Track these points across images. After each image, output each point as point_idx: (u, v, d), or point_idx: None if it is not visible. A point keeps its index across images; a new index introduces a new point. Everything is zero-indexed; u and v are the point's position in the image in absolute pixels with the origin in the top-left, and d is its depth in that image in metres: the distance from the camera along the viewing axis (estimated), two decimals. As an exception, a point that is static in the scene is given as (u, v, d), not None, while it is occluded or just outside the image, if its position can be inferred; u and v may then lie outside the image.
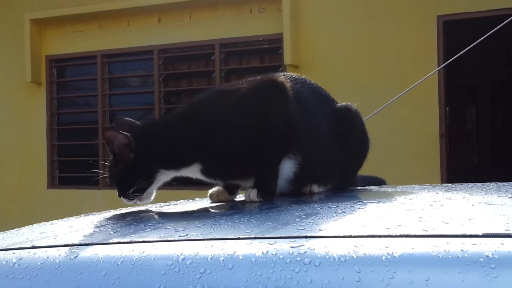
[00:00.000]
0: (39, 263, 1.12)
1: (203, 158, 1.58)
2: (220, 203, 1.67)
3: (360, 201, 1.42)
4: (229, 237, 1.10)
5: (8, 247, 1.24)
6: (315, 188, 1.68)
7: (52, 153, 8.25)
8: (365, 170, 1.90)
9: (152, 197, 1.64)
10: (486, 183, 1.68)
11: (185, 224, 1.30)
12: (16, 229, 1.54)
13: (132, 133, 1.57)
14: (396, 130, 6.58)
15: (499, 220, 1.10)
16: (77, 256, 1.11)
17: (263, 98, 1.61)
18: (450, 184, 1.70)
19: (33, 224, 1.58)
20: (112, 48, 7.85)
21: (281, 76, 1.70)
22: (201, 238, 1.12)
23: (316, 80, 6.49)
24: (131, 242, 1.14)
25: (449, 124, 7.10)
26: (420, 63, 6.54)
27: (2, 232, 1.52)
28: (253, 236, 1.08)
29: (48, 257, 1.13)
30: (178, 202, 1.87)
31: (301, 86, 1.71)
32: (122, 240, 1.17)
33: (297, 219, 1.21)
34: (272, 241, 1.03)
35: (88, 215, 1.73)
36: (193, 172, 1.62)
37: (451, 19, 6.61)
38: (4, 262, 1.15)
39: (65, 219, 1.63)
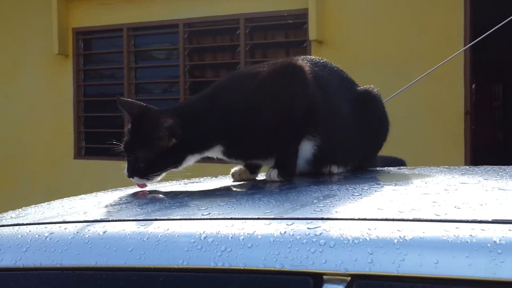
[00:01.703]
0: (69, 238, 1.18)
1: (225, 140, 1.63)
2: (242, 182, 1.72)
3: (377, 184, 1.46)
4: (249, 217, 1.16)
5: (40, 221, 1.31)
6: (334, 169, 1.73)
7: (78, 124, 8.36)
8: (389, 147, 1.93)
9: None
10: (503, 167, 1.70)
11: (208, 203, 1.36)
12: (46, 203, 1.61)
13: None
14: (420, 107, 6.55)
15: (510, 206, 1.14)
16: (105, 231, 1.17)
17: (282, 81, 1.65)
18: (468, 167, 1.74)
19: (60, 194, 1.64)
20: (138, 22, 7.89)
21: (301, 60, 1.73)
22: (222, 217, 1.18)
23: (340, 56, 6.54)
24: (156, 220, 1.20)
25: (475, 102, 7.05)
26: (446, 40, 6.48)
27: (33, 206, 1.59)
28: (272, 216, 1.13)
29: (78, 232, 1.19)
30: (201, 179, 1.92)
31: (321, 69, 1.74)
32: (148, 217, 1.23)
33: (315, 201, 1.26)
34: (290, 222, 1.08)
35: (115, 190, 1.79)
36: (215, 153, 1.66)
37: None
38: (36, 236, 1.22)
39: (93, 194, 1.70)
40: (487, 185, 1.36)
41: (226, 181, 1.78)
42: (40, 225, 1.27)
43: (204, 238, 1.08)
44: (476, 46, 6.50)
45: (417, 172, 1.74)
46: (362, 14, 6.98)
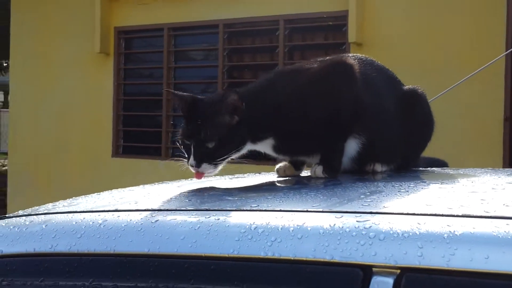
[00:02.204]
0: (123, 225, 1.22)
1: (276, 133, 1.64)
2: (287, 178, 1.74)
3: (422, 182, 1.47)
4: (298, 209, 1.17)
5: (93, 209, 1.35)
6: (378, 167, 1.74)
7: (117, 123, 8.48)
8: (427, 151, 1.93)
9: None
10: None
11: (256, 196, 1.38)
12: (96, 193, 1.66)
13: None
14: (459, 112, 6.49)
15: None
16: (157, 220, 1.21)
17: (332, 79, 1.67)
18: (513, 169, 1.73)
19: (97, 191, 1.68)
20: (178, 22, 7.97)
21: (350, 57, 1.75)
22: (271, 209, 1.20)
23: (379, 59, 6.45)
24: (207, 210, 1.23)
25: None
26: (488, 43, 6.40)
27: (84, 196, 1.63)
28: (320, 209, 1.15)
29: (131, 220, 1.23)
30: (245, 175, 1.95)
31: (369, 68, 1.76)
32: (199, 208, 1.26)
33: (362, 196, 1.28)
34: (338, 215, 1.10)
35: (161, 183, 1.83)
36: (265, 146, 1.68)
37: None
38: (90, 223, 1.26)
39: (141, 186, 1.74)
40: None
41: (271, 177, 1.81)
42: (94, 213, 1.31)
43: (254, 229, 1.11)
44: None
45: (462, 172, 1.74)
46: (402, 17, 6.94)
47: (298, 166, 1.79)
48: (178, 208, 1.27)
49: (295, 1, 7.51)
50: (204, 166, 1.60)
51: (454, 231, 0.98)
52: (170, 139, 8.18)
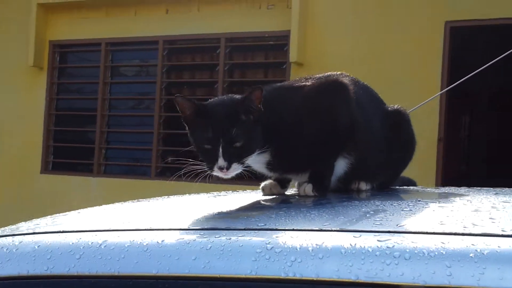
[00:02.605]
0: (126, 246, 1.16)
1: (273, 146, 1.61)
2: (278, 196, 1.72)
3: (418, 200, 1.47)
4: (312, 228, 1.15)
5: (88, 229, 1.28)
6: (363, 186, 1.74)
7: (48, 138, 8.24)
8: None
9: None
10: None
11: (257, 215, 1.35)
12: (75, 211, 1.58)
13: None
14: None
15: None
16: (163, 240, 1.16)
17: (329, 99, 1.67)
18: (492, 188, 1.77)
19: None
20: (117, 37, 7.86)
21: (344, 77, 1.75)
22: (282, 228, 1.17)
23: None
24: (215, 229, 1.19)
25: (446, 131, 7.17)
26: (426, 68, 6.61)
27: (63, 214, 1.56)
28: (336, 229, 1.13)
29: (133, 240, 1.17)
30: (228, 193, 1.92)
31: (356, 88, 1.76)
32: (205, 227, 1.22)
33: (367, 215, 1.27)
34: (357, 234, 1.09)
35: (139, 201, 1.77)
36: (261, 160, 1.65)
37: (459, 25, 6.66)
38: (89, 243, 1.19)
39: (125, 203, 1.67)
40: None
41: (256, 195, 1.78)
42: (90, 233, 1.25)
43: (271, 248, 1.08)
44: (452, 77, 6.65)
45: (444, 191, 1.76)
46: (343, 39, 7.08)
47: (284, 184, 1.77)
48: (182, 228, 1.23)
49: (237, 20, 7.55)
50: (234, 166, 1.58)
51: (480, 250, 0.98)
52: (103, 155, 8.01)
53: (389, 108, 1.85)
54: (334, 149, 1.68)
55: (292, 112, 1.64)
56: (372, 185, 1.78)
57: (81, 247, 1.19)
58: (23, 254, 1.22)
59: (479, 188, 1.87)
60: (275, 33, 7.43)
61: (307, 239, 1.09)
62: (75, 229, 1.29)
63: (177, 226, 1.24)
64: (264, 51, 7.73)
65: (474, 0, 6.54)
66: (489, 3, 6.47)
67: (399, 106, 1.87)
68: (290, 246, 1.07)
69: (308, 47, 7.16)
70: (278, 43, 7.45)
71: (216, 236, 1.14)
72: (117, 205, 1.68)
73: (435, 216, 1.27)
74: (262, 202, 1.62)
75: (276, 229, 1.16)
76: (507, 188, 1.73)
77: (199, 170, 1.60)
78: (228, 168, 1.56)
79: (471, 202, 1.42)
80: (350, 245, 1.05)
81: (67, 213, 1.61)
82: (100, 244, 1.18)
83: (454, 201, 1.45)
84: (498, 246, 0.99)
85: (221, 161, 1.55)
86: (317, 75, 1.77)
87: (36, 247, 1.22)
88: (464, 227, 1.11)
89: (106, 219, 1.42)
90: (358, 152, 1.69)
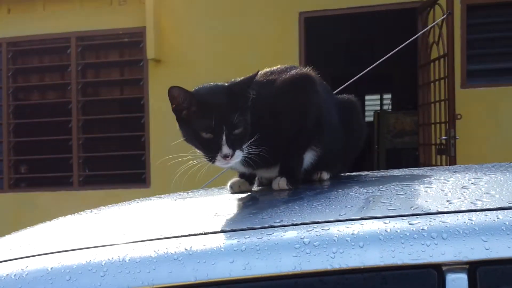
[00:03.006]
0: (152, 256, 1.12)
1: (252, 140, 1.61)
2: (263, 191, 1.71)
3: (402, 183, 1.53)
4: (336, 219, 1.18)
5: (97, 245, 1.22)
6: (325, 176, 1.80)
7: None
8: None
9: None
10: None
11: (261, 212, 1.34)
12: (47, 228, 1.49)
13: None
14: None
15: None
16: (191, 247, 1.13)
17: (300, 94, 1.69)
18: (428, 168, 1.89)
19: None
20: None
21: (311, 71, 1.78)
22: (304, 222, 1.19)
23: (179, 76, 6.69)
24: (236, 230, 1.18)
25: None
26: (283, 58, 6.81)
27: (38, 233, 1.47)
28: (360, 217, 1.17)
29: (158, 249, 1.14)
30: (191, 193, 1.89)
31: (318, 80, 1.80)
32: (225, 229, 1.21)
33: (373, 201, 1.32)
34: (386, 220, 1.13)
35: (129, 204, 1.70)
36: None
37: (312, 16, 6.96)
38: (110, 258, 1.14)
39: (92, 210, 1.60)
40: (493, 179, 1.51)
41: (226, 193, 1.76)
42: (103, 248, 1.19)
43: (308, 243, 1.09)
44: (313, 63, 6.93)
45: (412, 173, 1.85)
46: (199, 34, 7.09)
47: (251, 181, 1.78)
48: (201, 232, 1.20)
49: (87, 18, 7.32)
50: (237, 153, 1.58)
51: (508, 222, 1.07)
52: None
53: (340, 99, 1.92)
54: (305, 142, 1.71)
55: (266, 106, 1.65)
56: (332, 174, 1.84)
57: (103, 264, 1.13)
58: (36, 279, 1.13)
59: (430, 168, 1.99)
60: (129, 30, 7.29)
61: (340, 230, 1.11)
62: (82, 247, 1.22)
63: (194, 232, 1.21)
64: (119, 49, 7.57)
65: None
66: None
67: (350, 96, 1.94)
68: (327, 239, 1.10)
69: (165, 43, 7.11)
70: (133, 40, 7.32)
71: (245, 237, 1.14)
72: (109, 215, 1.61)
73: (435, 195, 1.34)
74: (254, 199, 1.61)
75: (299, 224, 1.18)
76: (458, 166, 1.86)
77: (198, 163, 1.58)
78: (233, 155, 1.56)
79: (447, 180, 1.51)
80: (385, 231, 1.09)
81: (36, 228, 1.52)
82: (123, 258, 1.13)
83: (434, 180, 1.54)
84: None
85: (225, 149, 1.55)
86: (280, 68, 1.79)
87: (49, 269, 1.14)
88: (471, 203, 1.19)
89: (103, 232, 1.36)
90: (323, 144, 1.73)
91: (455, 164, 5.52)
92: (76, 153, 7.42)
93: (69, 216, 1.73)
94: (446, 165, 5.61)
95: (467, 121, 6.01)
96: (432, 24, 5.03)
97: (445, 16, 3.41)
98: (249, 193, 1.70)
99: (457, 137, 5.63)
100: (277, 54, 6.83)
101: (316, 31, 7.50)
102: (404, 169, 1.97)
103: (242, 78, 1.65)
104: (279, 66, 1.80)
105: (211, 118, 1.54)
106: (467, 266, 1.04)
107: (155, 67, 7.13)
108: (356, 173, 2.01)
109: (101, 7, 7.32)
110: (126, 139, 7.45)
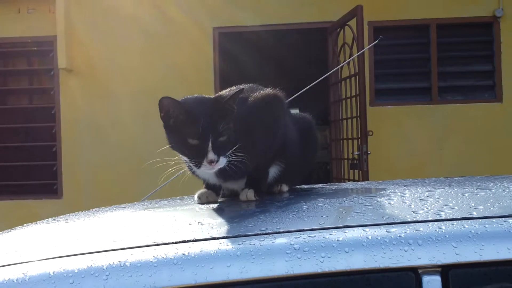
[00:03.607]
0: (152, 261, 1.19)
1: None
2: (236, 201, 1.77)
3: (368, 195, 1.66)
4: (319, 227, 1.29)
5: (95, 250, 1.26)
6: (285, 188, 1.91)
7: None
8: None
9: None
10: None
11: (244, 221, 1.43)
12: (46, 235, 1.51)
13: None
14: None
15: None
16: (188, 252, 1.21)
17: (271, 113, 1.79)
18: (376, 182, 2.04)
19: None
20: None
21: (280, 92, 1.88)
22: (289, 230, 1.29)
23: (90, 85, 6.70)
24: (228, 237, 1.27)
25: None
26: (197, 72, 6.92)
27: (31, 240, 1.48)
28: (341, 225, 1.29)
29: (157, 255, 1.20)
30: (159, 202, 1.94)
31: None
32: (215, 236, 1.28)
33: (344, 212, 1.44)
34: (366, 228, 1.25)
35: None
36: None
37: (226, 31, 7.12)
38: (111, 263, 1.19)
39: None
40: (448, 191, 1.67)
41: (193, 203, 1.82)
42: (101, 253, 1.24)
43: (298, 249, 1.20)
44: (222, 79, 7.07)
45: (367, 186, 1.99)
46: (111, 44, 7.06)
47: (217, 192, 1.86)
48: (194, 239, 1.27)
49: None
50: (221, 159, 1.65)
51: (473, 231, 1.21)
52: None
53: (297, 116, 2.04)
54: (272, 157, 1.82)
55: (240, 121, 1.74)
56: (290, 187, 1.96)
57: (104, 268, 1.18)
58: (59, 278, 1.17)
59: (378, 182, 2.15)
60: (38, 39, 7.17)
61: (326, 237, 1.23)
62: (83, 252, 1.26)
63: (187, 238, 1.28)
64: (27, 58, 7.42)
65: (236, 9, 7.02)
66: (249, 12, 7.01)
67: (305, 114, 2.06)
68: (315, 245, 1.20)
69: (76, 53, 7.03)
70: (43, 49, 7.19)
71: (239, 243, 1.23)
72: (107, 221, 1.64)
73: (405, 206, 1.46)
74: (234, 209, 1.67)
75: (289, 231, 1.28)
76: (404, 180, 2.02)
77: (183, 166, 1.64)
78: (217, 160, 1.64)
79: (403, 192, 1.66)
80: (367, 238, 1.21)
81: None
82: (124, 262, 1.19)
83: (391, 194, 1.67)
84: (485, 226, 1.23)
85: (211, 155, 1.63)
86: (247, 87, 1.88)
87: (63, 270, 1.18)
88: (437, 212, 1.34)
89: (99, 238, 1.40)
90: (286, 160, 1.85)
91: (367, 178, 5.81)
92: (-17, 163, 7.19)
93: (48, 222, 1.75)
94: (359, 179, 5.88)
95: (377, 137, 6.32)
96: (364, 49, 5.34)
97: (376, 41, 3.63)
98: (218, 204, 1.78)
99: (369, 152, 5.93)
100: (191, 68, 6.92)
101: (230, 46, 7.66)
102: (353, 182, 2.11)
103: (226, 92, 1.74)
104: (244, 85, 1.89)
105: (198, 125, 1.62)
106: (440, 269, 1.17)
107: (66, 76, 7.03)
108: (310, 185, 2.13)
109: (8, 14, 7.14)
110: (37, 148, 7.28)
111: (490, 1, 6.80)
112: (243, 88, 1.73)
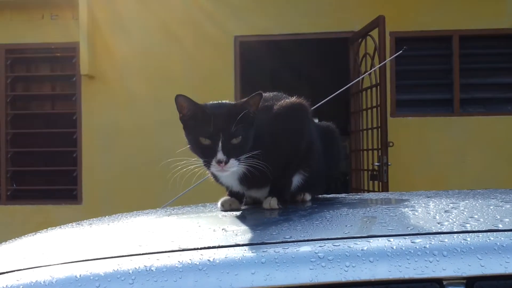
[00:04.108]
0: (178, 266, 1.20)
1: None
2: (259, 209, 1.79)
3: (388, 205, 1.67)
4: (342, 237, 1.29)
5: (120, 255, 1.28)
6: (307, 197, 1.91)
7: None
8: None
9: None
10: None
11: (268, 228, 1.44)
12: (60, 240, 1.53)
13: None
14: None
15: None
16: (214, 258, 1.21)
17: (296, 122, 1.80)
18: (427, 191, 2.04)
19: None
20: None
21: (304, 101, 1.89)
22: (313, 238, 1.29)
23: (111, 91, 6.75)
24: (252, 244, 1.27)
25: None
26: (218, 79, 6.95)
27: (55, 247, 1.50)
28: (365, 235, 1.29)
29: (182, 260, 1.21)
30: (183, 209, 1.95)
31: None
32: (239, 243, 1.29)
33: (367, 222, 1.44)
34: (390, 238, 1.25)
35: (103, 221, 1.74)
36: (236, 172, 1.74)
37: (247, 40, 7.15)
38: (137, 267, 1.20)
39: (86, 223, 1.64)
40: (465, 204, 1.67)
41: (218, 210, 1.84)
42: (126, 258, 1.25)
43: (323, 257, 1.20)
44: (243, 85, 7.10)
45: (388, 196, 1.99)
46: (133, 51, 7.11)
47: (240, 200, 1.87)
48: (219, 245, 1.28)
49: (18, 31, 7.23)
50: (232, 161, 1.65)
51: (499, 243, 1.21)
52: None
53: (322, 125, 2.04)
54: (296, 166, 1.83)
55: (264, 128, 1.74)
56: (313, 196, 1.96)
57: (130, 272, 1.19)
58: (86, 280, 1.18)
59: (401, 193, 2.15)
60: (61, 45, 7.24)
61: (350, 246, 1.23)
62: (103, 256, 1.28)
63: (212, 244, 1.29)
64: (50, 63, 7.50)
65: (257, 18, 7.04)
66: (271, 21, 7.03)
67: (329, 123, 2.07)
68: (340, 254, 1.21)
69: (99, 59, 7.09)
70: (66, 55, 7.27)
71: (263, 250, 1.23)
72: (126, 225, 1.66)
73: (426, 218, 1.47)
74: (258, 217, 1.68)
75: (310, 240, 1.28)
76: (428, 191, 2.02)
77: (194, 166, 1.65)
78: (226, 162, 1.64)
79: (428, 205, 1.65)
80: (391, 248, 1.21)
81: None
82: (149, 267, 1.20)
83: (415, 205, 1.67)
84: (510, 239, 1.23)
85: (220, 155, 1.63)
86: (269, 95, 1.89)
87: (89, 273, 1.19)
88: (463, 223, 1.34)
89: (121, 243, 1.41)
90: (310, 169, 1.86)
91: (387, 189, 5.78)
92: (4, 167, 7.25)
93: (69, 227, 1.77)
94: (379, 190, 5.86)
95: (398, 149, 6.29)
96: (387, 60, 5.33)
97: (400, 51, 3.64)
98: (241, 211, 1.78)
99: (389, 163, 5.90)
100: (212, 75, 6.95)
101: (251, 54, 7.68)
102: (376, 193, 2.11)
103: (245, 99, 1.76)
104: (268, 93, 1.90)
105: (210, 124, 1.64)
106: (465, 281, 1.17)
107: (88, 83, 7.10)
108: (332, 195, 2.13)
109: (32, 21, 7.24)
110: (58, 154, 7.35)
111: (513, 13, 6.77)
112: (261, 93, 1.73)
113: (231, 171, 1.68)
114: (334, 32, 7.04)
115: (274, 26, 7.05)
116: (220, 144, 1.64)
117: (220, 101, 1.78)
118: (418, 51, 6.97)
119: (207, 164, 1.67)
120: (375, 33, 6.14)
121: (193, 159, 1.71)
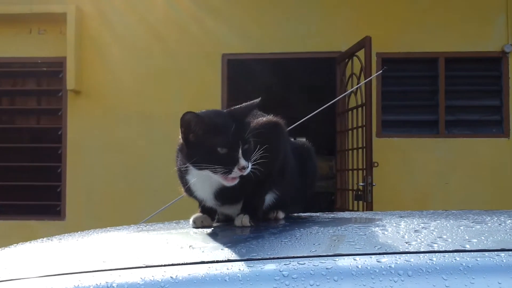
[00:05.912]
0: (187, 276, 1.18)
1: None
2: (221, 227, 1.78)
3: (363, 225, 1.66)
4: (311, 255, 1.28)
5: (134, 266, 1.26)
6: (281, 215, 1.90)
7: None
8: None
9: None
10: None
11: (241, 246, 1.42)
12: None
13: None
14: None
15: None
16: (189, 273, 1.20)
17: (272, 141, 1.80)
18: (387, 211, 2.03)
19: None
20: None
21: (281, 120, 1.89)
22: (281, 256, 1.28)
23: (98, 107, 6.75)
24: (228, 260, 1.26)
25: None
26: (206, 96, 6.97)
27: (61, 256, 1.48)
28: (331, 253, 1.28)
29: (153, 276, 1.20)
30: (154, 226, 1.93)
31: None
32: (206, 260, 1.28)
33: (337, 240, 1.43)
34: (356, 257, 1.24)
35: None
36: (210, 186, 1.76)
37: (235, 58, 7.18)
38: (151, 277, 1.19)
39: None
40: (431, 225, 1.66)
41: (189, 228, 1.82)
42: (139, 269, 1.23)
43: (287, 275, 1.19)
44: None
45: (350, 216, 1.98)
46: (121, 67, 7.14)
47: (212, 217, 1.86)
48: (184, 262, 1.27)
49: (4, 45, 7.24)
50: (249, 165, 1.69)
51: (464, 263, 1.20)
52: None
53: (296, 144, 2.04)
54: (269, 185, 1.83)
55: None
56: (286, 214, 1.95)
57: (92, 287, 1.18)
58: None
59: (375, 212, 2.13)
60: (48, 60, 7.25)
61: (315, 265, 1.22)
62: (123, 267, 1.26)
63: (176, 262, 1.27)
64: (36, 78, 7.50)
65: (245, 36, 7.08)
66: (259, 40, 7.07)
67: (303, 141, 2.07)
68: (304, 272, 1.19)
69: (85, 75, 7.11)
70: (53, 70, 7.27)
71: (228, 268, 1.22)
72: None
73: (394, 237, 1.46)
74: (228, 234, 1.67)
75: (278, 258, 1.27)
76: (401, 211, 2.01)
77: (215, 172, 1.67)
78: (248, 167, 1.68)
79: (398, 224, 1.65)
80: (356, 267, 1.20)
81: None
82: (111, 283, 1.18)
83: (386, 224, 1.66)
84: (476, 259, 1.22)
85: (243, 161, 1.67)
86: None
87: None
88: (428, 244, 1.33)
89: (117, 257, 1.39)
90: (282, 188, 1.85)
91: (371, 209, 5.78)
92: (-14, 182, 7.23)
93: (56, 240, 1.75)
94: (363, 210, 5.86)
95: (383, 169, 6.31)
96: (367, 80, 5.36)
97: (380, 71, 3.66)
98: (213, 228, 1.77)
99: (374, 183, 5.91)
100: (200, 92, 6.96)
101: (238, 72, 7.71)
102: (352, 212, 2.10)
103: (241, 106, 1.77)
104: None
105: (227, 134, 1.66)
106: (428, 302, 1.16)
107: (75, 98, 7.09)
108: (307, 214, 2.12)
109: (19, 35, 7.25)
110: (42, 169, 7.31)
111: (499, 37, 6.83)
112: (258, 100, 1.77)
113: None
114: (321, 52, 7.08)
115: (262, 44, 7.09)
116: (240, 151, 1.68)
117: (213, 110, 1.83)
118: (404, 72, 7.03)
119: (228, 171, 1.67)
120: (361, 53, 6.18)
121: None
